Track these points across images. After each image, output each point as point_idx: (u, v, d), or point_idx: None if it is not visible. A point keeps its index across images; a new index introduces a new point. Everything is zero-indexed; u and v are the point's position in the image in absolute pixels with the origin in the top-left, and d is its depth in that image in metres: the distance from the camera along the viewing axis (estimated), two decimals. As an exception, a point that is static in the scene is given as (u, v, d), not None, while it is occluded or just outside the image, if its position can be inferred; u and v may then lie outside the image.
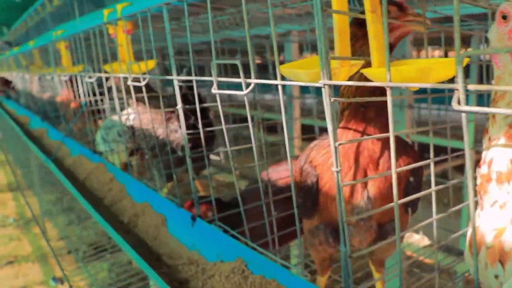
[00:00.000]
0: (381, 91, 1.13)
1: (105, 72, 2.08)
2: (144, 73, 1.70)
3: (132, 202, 1.89)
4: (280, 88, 1.00)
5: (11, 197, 6.56)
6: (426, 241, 1.72)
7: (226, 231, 1.44)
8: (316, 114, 2.36)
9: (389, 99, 0.79)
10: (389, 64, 0.76)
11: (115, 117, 2.89)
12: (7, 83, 7.38)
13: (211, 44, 1.12)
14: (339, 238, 1.30)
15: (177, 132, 2.53)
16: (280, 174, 1.92)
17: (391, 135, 0.82)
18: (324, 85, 0.87)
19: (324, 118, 0.89)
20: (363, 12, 0.99)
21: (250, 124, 1.13)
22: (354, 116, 1.15)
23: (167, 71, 1.83)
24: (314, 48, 1.97)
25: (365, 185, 1.15)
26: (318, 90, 1.13)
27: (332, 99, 0.88)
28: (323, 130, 2.66)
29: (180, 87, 2.57)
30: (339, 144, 0.90)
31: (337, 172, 0.92)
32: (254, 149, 1.17)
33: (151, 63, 1.80)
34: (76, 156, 2.73)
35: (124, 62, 1.88)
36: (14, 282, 4.31)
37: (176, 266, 1.39)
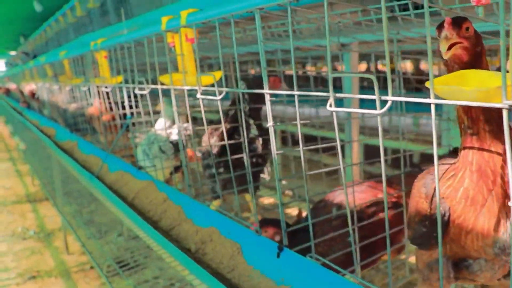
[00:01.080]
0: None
1: (162, 84, 1.93)
2: (213, 86, 1.55)
3: (195, 227, 1.73)
4: (433, 107, 0.85)
5: (30, 209, 6.42)
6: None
7: (317, 260, 1.28)
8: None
9: None
10: None
11: (157, 132, 2.75)
12: (31, 94, 7.29)
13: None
14: (460, 272, 1.15)
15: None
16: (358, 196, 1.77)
17: None
18: (510, 106, 0.72)
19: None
20: None
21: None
22: (479, 136, 1.00)
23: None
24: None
25: (506, 215, 1.01)
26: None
27: (518, 123, 0.73)
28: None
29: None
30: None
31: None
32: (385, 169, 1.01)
33: (218, 75, 1.66)
34: (117, 172, 2.58)
35: (188, 73, 1.73)
36: (37, 299, 4.15)
37: (268, 305, 1.23)
